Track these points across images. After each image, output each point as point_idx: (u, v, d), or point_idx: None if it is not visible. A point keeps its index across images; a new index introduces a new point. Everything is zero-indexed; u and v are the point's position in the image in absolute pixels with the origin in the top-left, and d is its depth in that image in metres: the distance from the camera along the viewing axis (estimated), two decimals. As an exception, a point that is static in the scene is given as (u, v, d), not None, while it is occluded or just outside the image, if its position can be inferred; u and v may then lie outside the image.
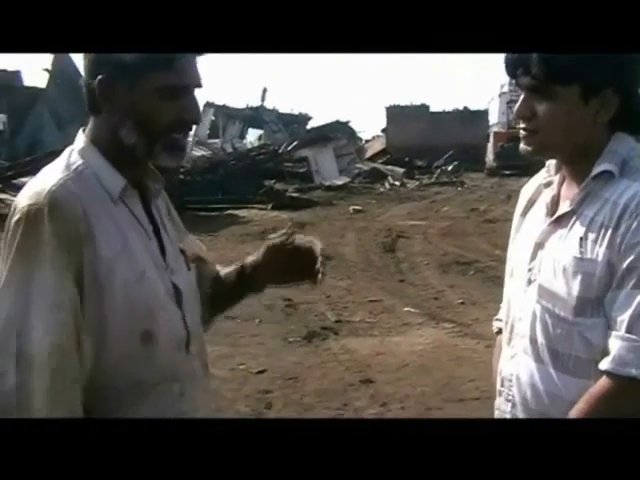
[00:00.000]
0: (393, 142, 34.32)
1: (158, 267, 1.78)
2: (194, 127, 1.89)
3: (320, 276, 1.92)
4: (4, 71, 30.03)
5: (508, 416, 1.83)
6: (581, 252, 1.67)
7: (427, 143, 32.51)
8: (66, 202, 1.64)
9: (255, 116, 35.87)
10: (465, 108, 36.21)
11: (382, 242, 12.93)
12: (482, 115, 39.42)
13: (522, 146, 1.78)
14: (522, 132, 1.77)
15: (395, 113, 36.48)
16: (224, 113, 34.67)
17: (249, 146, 29.78)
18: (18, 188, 15.96)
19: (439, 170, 28.49)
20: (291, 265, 2.00)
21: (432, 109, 37.56)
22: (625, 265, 1.60)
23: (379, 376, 6.02)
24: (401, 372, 6.14)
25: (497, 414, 1.88)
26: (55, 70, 26.84)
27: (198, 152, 25.29)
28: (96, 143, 1.77)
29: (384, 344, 6.92)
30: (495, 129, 39.12)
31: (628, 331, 1.58)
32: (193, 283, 1.92)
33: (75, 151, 1.77)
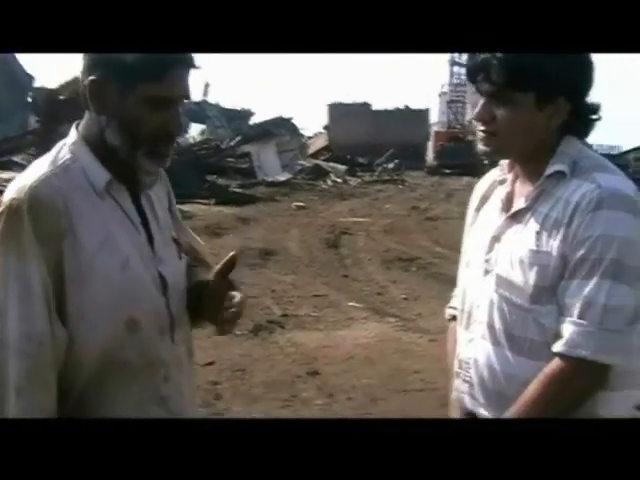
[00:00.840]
0: (335, 139, 34.58)
1: (144, 257, 1.84)
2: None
3: (226, 325, 1.89)
4: (-61, 59, 29.30)
5: (466, 397, 1.95)
6: (537, 245, 1.80)
7: (369, 141, 32.86)
8: (46, 197, 1.70)
9: (198, 111, 35.68)
10: (406, 107, 36.64)
11: (325, 238, 13.08)
12: (423, 114, 39.95)
13: (481, 147, 1.92)
14: (480, 134, 1.90)
15: (337, 111, 36.76)
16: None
17: (192, 141, 29.61)
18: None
19: (380, 168, 28.85)
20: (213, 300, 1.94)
21: (374, 107, 37.89)
22: (577, 257, 1.73)
23: (325, 368, 6.13)
24: (347, 364, 6.26)
25: (455, 395, 2.00)
26: (-7, 60, 26.27)
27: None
28: (86, 139, 1.82)
29: (330, 337, 7.04)
30: (435, 128, 39.69)
31: (579, 317, 1.72)
32: (182, 272, 1.97)
33: (66, 146, 1.82)
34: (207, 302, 1.94)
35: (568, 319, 1.74)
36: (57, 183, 1.74)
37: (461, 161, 30.18)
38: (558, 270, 1.76)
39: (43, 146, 15.23)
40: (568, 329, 1.73)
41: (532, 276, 1.78)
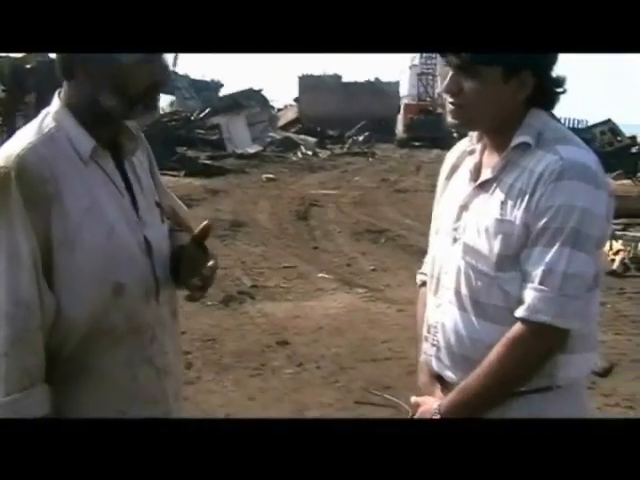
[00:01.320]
0: (306, 112, 34.44)
1: (129, 222, 1.89)
2: None
3: (196, 292, 1.97)
4: None
5: (433, 359, 2.02)
6: (501, 214, 1.86)
7: (339, 113, 32.77)
8: (33, 165, 1.75)
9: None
10: (377, 79, 36.56)
11: (295, 210, 13.13)
12: (393, 87, 39.84)
13: (449, 119, 1.97)
14: (450, 106, 1.96)
15: (308, 83, 36.57)
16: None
17: (161, 112, 29.34)
18: None
19: (351, 140, 28.83)
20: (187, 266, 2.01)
21: (344, 80, 37.76)
22: (539, 226, 1.80)
23: (295, 338, 6.21)
24: (316, 334, 6.35)
25: (423, 357, 2.07)
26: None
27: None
28: (70, 107, 1.86)
29: (299, 308, 7.12)
30: (405, 101, 39.64)
31: (540, 283, 1.79)
32: (166, 235, 2.02)
33: (50, 114, 1.86)
34: (181, 267, 1.99)
35: (529, 285, 1.81)
36: (43, 151, 1.78)
37: (431, 134, 30.24)
38: (521, 239, 1.83)
39: (10, 116, 15.06)
40: (529, 295, 1.80)
41: (496, 244, 1.85)
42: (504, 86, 1.86)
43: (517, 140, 1.88)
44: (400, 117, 34.99)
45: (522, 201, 1.82)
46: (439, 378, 2.01)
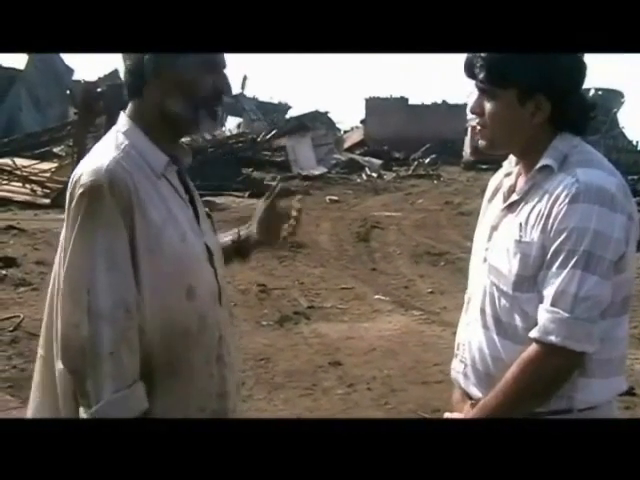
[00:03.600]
0: (371, 134, 34.45)
1: (194, 231, 2.05)
2: None
3: (285, 233, 2.28)
4: (-18, 52, 29.81)
5: (461, 376, 2.06)
6: (520, 236, 1.90)
7: (405, 135, 32.64)
8: (121, 178, 1.91)
9: (234, 104, 35.87)
10: (443, 102, 36.40)
11: (356, 232, 13.13)
12: (460, 109, 39.51)
13: (479, 140, 2.02)
14: (477, 127, 2.01)
15: (374, 105, 36.58)
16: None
17: (228, 134, 29.80)
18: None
19: (416, 163, 28.69)
20: (273, 221, 2.31)
21: (411, 102, 37.70)
22: (553, 248, 1.83)
23: (347, 359, 6.24)
24: (369, 356, 6.36)
25: (453, 374, 2.11)
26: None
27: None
28: (138, 124, 2.02)
29: (354, 329, 7.14)
30: (472, 123, 39.19)
31: (552, 305, 1.81)
32: (219, 244, 2.21)
33: (120, 132, 2.02)
34: (259, 231, 2.31)
35: (542, 307, 1.83)
36: (125, 165, 1.94)
37: (498, 156, 29.92)
38: (538, 260, 1.85)
39: (81, 137, 15.53)
40: (542, 316, 1.83)
41: (515, 264, 1.88)
42: (521, 109, 1.91)
43: (541, 163, 1.92)
44: (467, 139, 34.73)
45: (540, 223, 1.85)
46: (467, 394, 2.05)
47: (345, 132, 36.99)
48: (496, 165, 2.20)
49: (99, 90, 15.11)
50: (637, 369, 6.07)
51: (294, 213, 2.27)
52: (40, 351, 2.07)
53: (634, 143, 27.37)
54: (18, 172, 15.88)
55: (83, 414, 1.88)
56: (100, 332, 1.86)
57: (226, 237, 2.38)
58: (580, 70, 1.95)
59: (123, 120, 2.05)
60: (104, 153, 1.96)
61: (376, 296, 8.53)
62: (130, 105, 2.06)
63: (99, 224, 1.88)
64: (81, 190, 1.90)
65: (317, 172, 23.46)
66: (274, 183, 2.25)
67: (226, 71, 2.06)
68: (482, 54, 1.90)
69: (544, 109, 1.91)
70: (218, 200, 16.13)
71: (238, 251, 2.38)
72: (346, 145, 32.77)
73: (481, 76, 1.92)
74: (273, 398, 5.35)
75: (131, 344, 1.90)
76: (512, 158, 2.09)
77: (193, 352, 2.01)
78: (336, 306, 8.06)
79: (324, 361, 6.16)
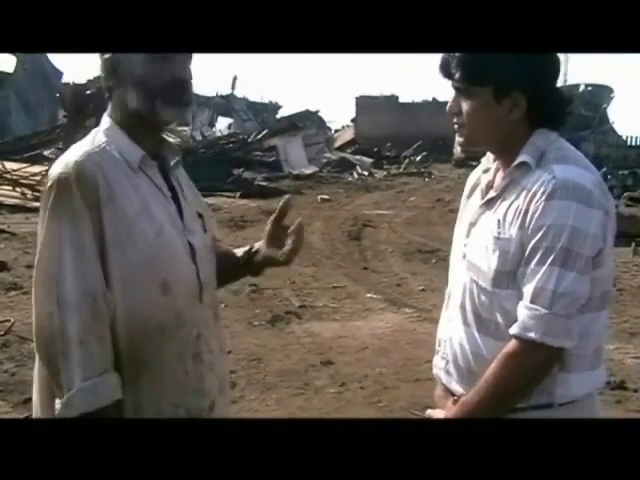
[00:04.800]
0: (362, 132, 34.51)
1: (175, 226, 2.06)
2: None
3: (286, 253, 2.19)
4: (-29, 55, 29.71)
5: (442, 372, 2.07)
6: (499, 232, 1.90)
7: (396, 134, 32.71)
8: (89, 171, 1.94)
9: (225, 104, 35.85)
10: (434, 99, 36.44)
11: (348, 230, 13.14)
12: (451, 106, 39.54)
13: (457, 138, 2.02)
14: (455, 126, 2.01)
15: (365, 103, 36.64)
16: (194, 101, 34.51)
17: (218, 134, 29.78)
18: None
19: (407, 160, 28.75)
20: (279, 236, 2.25)
21: (401, 100, 37.76)
22: (531, 245, 1.83)
23: (339, 357, 6.24)
24: (361, 354, 6.36)
25: (435, 370, 2.12)
26: (23, 55, 26.61)
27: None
28: (116, 122, 2.05)
29: (346, 328, 7.14)
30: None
31: (532, 301, 1.82)
32: (208, 243, 2.20)
33: (100, 131, 2.06)
34: (268, 247, 2.24)
35: (522, 303, 1.84)
36: (96, 159, 1.97)
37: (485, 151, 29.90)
38: (517, 256, 1.86)
39: (70, 140, 15.46)
40: (522, 312, 1.84)
41: (494, 261, 1.89)
42: (497, 106, 1.91)
43: (518, 160, 1.93)
44: (457, 137, 34.73)
45: (518, 219, 1.86)
46: (450, 391, 2.05)
47: (336, 131, 37.01)
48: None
49: (88, 92, 15.08)
50: (628, 363, 6.09)
51: (295, 227, 2.22)
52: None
53: (624, 138, 27.46)
54: (8, 176, 15.84)
55: (57, 405, 1.90)
56: (69, 321, 1.88)
57: (240, 251, 2.36)
58: (554, 66, 1.96)
59: (104, 119, 2.09)
60: (77, 149, 2.01)
61: (368, 294, 8.53)
62: (109, 105, 2.10)
63: (65, 215, 1.91)
64: (49, 183, 1.96)
65: (308, 171, 23.48)
66: (282, 200, 2.23)
67: (185, 57, 2.04)
68: (457, 54, 1.91)
69: (520, 106, 1.91)
70: (209, 201, 16.10)
71: (248, 265, 2.33)
72: (337, 144, 32.80)
73: (457, 75, 1.92)
74: (265, 398, 5.34)
75: (100, 333, 1.91)
76: (490, 155, 2.10)
77: (166, 347, 2.02)
78: (328, 305, 8.06)
79: (316, 360, 6.16)
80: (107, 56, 2.00)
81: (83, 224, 1.91)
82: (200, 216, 2.19)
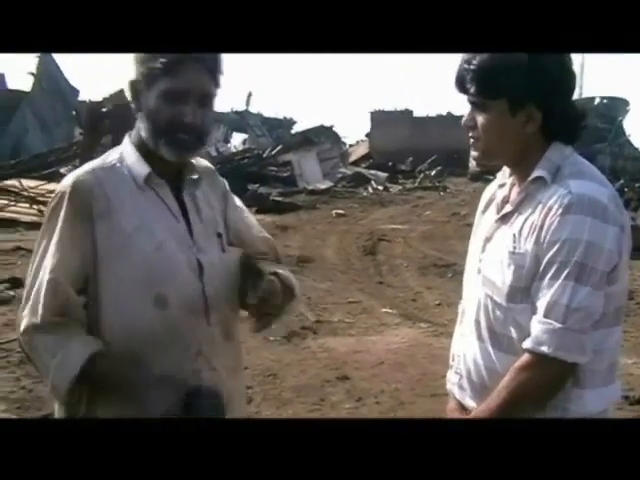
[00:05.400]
0: (377, 147, 34.50)
1: (181, 243, 2.07)
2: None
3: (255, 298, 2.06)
4: (-12, 74, 30.00)
5: (456, 387, 2.07)
6: (514, 247, 1.90)
7: (411, 148, 32.65)
8: (85, 185, 2.00)
9: (239, 120, 35.96)
10: (448, 113, 36.41)
11: (363, 245, 13.13)
12: (465, 120, 39.49)
13: (472, 152, 2.02)
14: (471, 140, 2.01)
15: (379, 118, 36.64)
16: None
17: (233, 150, 29.88)
18: (3, 190, 16.06)
19: (422, 175, 28.69)
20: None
21: (416, 114, 37.75)
22: (546, 259, 1.83)
23: (355, 373, 6.22)
24: (377, 369, 6.35)
25: (448, 386, 2.12)
26: (40, 74, 26.85)
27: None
28: (133, 141, 2.10)
29: (361, 343, 7.13)
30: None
31: (545, 316, 1.82)
32: (227, 264, 2.15)
33: (116, 150, 2.11)
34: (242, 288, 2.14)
35: (535, 317, 1.84)
36: (100, 174, 2.03)
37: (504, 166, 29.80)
38: (532, 271, 1.85)
39: (87, 157, 15.54)
40: (535, 327, 1.83)
41: (509, 276, 1.88)
42: (512, 120, 1.91)
43: (534, 174, 1.93)
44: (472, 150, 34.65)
45: (533, 234, 1.85)
46: (463, 406, 2.05)
47: (350, 146, 37.00)
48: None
49: (104, 110, 15.16)
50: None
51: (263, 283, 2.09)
52: None
53: (640, 150, 27.31)
54: (25, 193, 15.94)
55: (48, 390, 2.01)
56: (36, 312, 1.98)
57: None
58: (570, 80, 1.96)
59: (125, 139, 2.14)
60: (85, 166, 2.08)
61: (383, 309, 8.52)
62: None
63: (54, 227, 2.00)
64: (51, 198, 2.06)
65: (323, 186, 23.49)
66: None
67: (197, 101, 2.02)
68: (472, 67, 1.91)
69: (535, 119, 1.91)
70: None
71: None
72: (352, 159, 32.80)
73: (472, 89, 1.93)
74: (281, 414, 5.33)
75: (68, 327, 1.98)
76: (506, 169, 2.10)
77: (157, 361, 2.01)
78: (343, 320, 8.05)
79: (332, 375, 6.15)
80: (133, 79, 2.04)
81: (67, 236, 1.99)
82: (219, 236, 2.17)
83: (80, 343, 1.98)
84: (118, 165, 2.06)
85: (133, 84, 2.05)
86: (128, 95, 2.08)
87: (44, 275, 1.98)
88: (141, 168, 2.06)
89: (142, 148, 2.07)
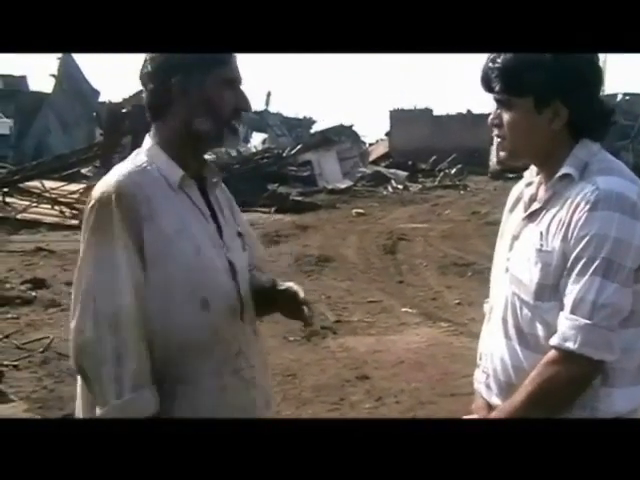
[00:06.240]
0: (396, 146, 34.45)
1: (215, 245, 2.09)
2: None
3: (308, 319, 2.20)
4: (11, 76, 30.34)
5: (483, 386, 2.06)
6: (541, 244, 1.89)
7: (430, 146, 32.57)
8: (129, 189, 1.98)
9: (259, 120, 36.02)
10: (468, 111, 36.28)
11: (383, 244, 13.08)
12: (485, 118, 39.39)
13: (498, 153, 2.02)
14: (496, 139, 2.01)
15: (399, 117, 36.59)
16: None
17: (253, 150, 29.90)
18: (25, 192, 16.20)
19: (442, 173, 28.59)
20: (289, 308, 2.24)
21: (435, 113, 37.64)
22: (573, 255, 1.82)
23: (375, 372, 6.21)
24: (396, 368, 6.33)
25: (475, 385, 2.11)
26: (61, 75, 27.09)
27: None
28: (160, 144, 2.09)
29: (381, 342, 7.11)
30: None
31: (572, 312, 1.80)
32: (247, 262, 2.23)
33: (142, 152, 2.10)
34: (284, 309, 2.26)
35: (562, 314, 1.83)
36: (137, 178, 2.01)
37: (525, 165, 29.64)
38: (559, 269, 1.84)
39: (107, 158, 15.66)
40: (562, 323, 1.82)
41: (536, 273, 1.88)
42: (538, 117, 1.91)
43: (561, 172, 1.92)
44: (493, 148, 34.59)
45: (560, 231, 1.85)
46: (487, 404, 2.04)
47: (370, 145, 36.95)
48: (523, 174, 2.19)
49: (124, 111, 15.26)
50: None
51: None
52: None
53: (663, 147, 27.07)
54: (47, 194, 16.07)
55: (98, 411, 1.96)
56: (104, 337, 1.92)
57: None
58: (596, 75, 1.94)
59: (146, 141, 2.13)
60: (118, 169, 2.05)
61: (403, 309, 8.49)
62: (153, 127, 2.13)
63: (105, 233, 1.96)
64: (91, 203, 2.00)
65: (343, 185, 23.47)
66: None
67: (242, 87, 2.11)
68: (497, 65, 1.90)
69: (562, 116, 1.90)
70: (245, 217, 16.16)
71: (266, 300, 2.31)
72: (371, 158, 32.76)
73: (497, 87, 1.92)
74: (301, 414, 5.33)
75: (136, 349, 1.94)
76: (533, 168, 2.09)
77: (203, 363, 2.04)
78: (363, 319, 8.03)
79: (351, 375, 6.14)
80: (175, 77, 2.02)
81: (121, 242, 1.95)
82: (240, 235, 2.22)
83: (146, 399, 1.95)
84: (149, 168, 2.05)
85: (180, 82, 2.03)
86: (163, 92, 2.05)
87: (118, 297, 1.93)
88: (174, 171, 2.06)
89: (170, 149, 2.08)
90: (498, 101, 1.97)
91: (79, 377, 2.06)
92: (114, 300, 1.93)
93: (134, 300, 1.94)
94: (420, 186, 25.89)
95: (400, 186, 24.81)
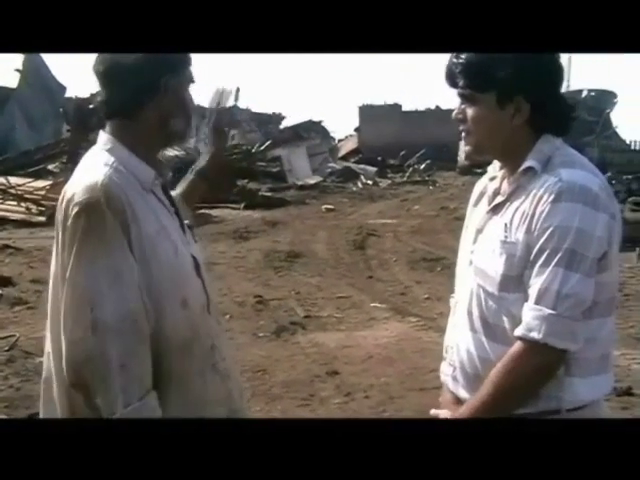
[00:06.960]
0: (366, 141, 34.51)
1: (183, 242, 2.09)
2: None
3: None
4: (-25, 72, 29.84)
5: (450, 379, 2.08)
6: (505, 236, 1.91)
7: (400, 142, 32.67)
8: (115, 192, 1.94)
9: (229, 116, 35.86)
10: (437, 107, 36.45)
11: (353, 240, 13.11)
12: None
13: (464, 147, 2.04)
14: (462, 133, 2.02)
15: (368, 113, 36.65)
16: (197, 113, 34.39)
17: (222, 146, 29.70)
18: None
19: (411, 169, 28.72)
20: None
21: (404, 108, 37.76)
22: (537, 247, 1.84)
23: (345, 368, 6.22)
24: (366, 364, 6.35)
25: (442, 377, 2.12)
26: (26, 70, 26.71)
27: (171, 152, 25.25)
28: (124, 142, 2.04)
29: (351, 338, 7.12)
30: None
31: (536, 302, 1.83)
32: (201, 254, 2.21)
33: (104, 150, 2.04)
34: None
35: (527, 304, 1.85)
36: (117, 180, 1.96)
37: (493, 160, 29.82)
38: (523, 260, 1.87)
39: (74, 154, 15.52)
40: (526, 314, 1.85)
41: (501, 265, 1.89)
42: (501, 112, 1.93)
43: (524, 165, 1.94)
44: (462, 144, 34.74)
45: (524, 223, 1.87)
46: (457, 397, 2.05)
47: (339, 140, 36.96)
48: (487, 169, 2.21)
49: (91, 106, 15.13)
50: (635, 369, 6.06)
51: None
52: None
53: (628, 143, 27.42)
54: (12, 191, 15.88)
55: None
56: (108, 346, 1.87)
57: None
58: (558, 71, 1.97)
59: (105, 138, 2.06)
60: (95, 170, 1.98)
61: (373, 304, 8.51)
62: (113, 124, 2.07)
63: (99, 240, 1.90)
64: (77, 208, 1.91)
65: (312, 181, 23.48)
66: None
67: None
68: (460, 60, 1.93)
69: (523, 111, 1.93)
70: (214, 212, 16.13)
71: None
72: (341, 153, 32.79)
73: (461, 83, 1.94)
74: (271, 410, 5.33)
75: (142, 355, 1.92)
76: (496, 163, 2.11)
77: (187, 362, 2.04)
78: (333, 315, 8.04)
79: (321, 371, 6.14)
80: (166, 77, 2.02)
81: (119, 246, 1.91)
82: (190, 227, 2.22)
83: (152, 404, 1.93)
84: (119, 168, 2.00)
85: (163, 78, 2.03)
86: (142, 91, 2.03)
87: (122, 302, 1.89)
88: (145, 170, 2.05)
89: (138, 148, 2.05)
90: (462, 96, 1.99)
91: (56, 385, 2.02)
92: (117, 306, 1.88)
93: (139, 302, 1.92)
94: (389, 182, 25.98)
95: (369, 182, 24.87)
